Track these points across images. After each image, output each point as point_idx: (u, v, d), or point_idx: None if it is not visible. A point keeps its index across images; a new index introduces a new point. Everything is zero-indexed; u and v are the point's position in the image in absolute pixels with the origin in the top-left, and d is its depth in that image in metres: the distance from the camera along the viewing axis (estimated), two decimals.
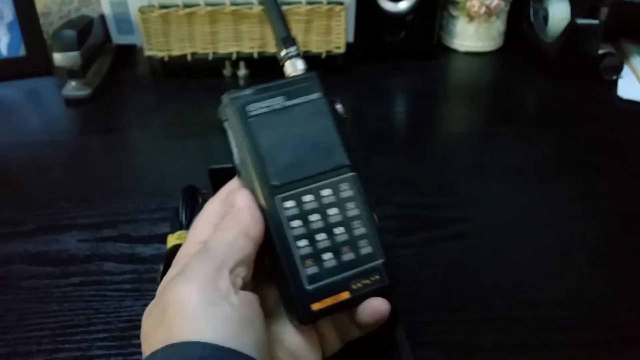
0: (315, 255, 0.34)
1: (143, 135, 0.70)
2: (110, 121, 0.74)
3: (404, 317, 0.43)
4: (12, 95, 0.81)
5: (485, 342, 0.42)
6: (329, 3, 0.78)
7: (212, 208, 0.36)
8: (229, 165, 0.53)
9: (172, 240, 0.46)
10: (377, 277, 0.35)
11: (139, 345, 0.41)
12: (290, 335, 0.35)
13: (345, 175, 0.35)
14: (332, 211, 0.34)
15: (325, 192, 0.35)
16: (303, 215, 0.34)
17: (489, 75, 0.90)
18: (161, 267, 0.43)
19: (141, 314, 0.43)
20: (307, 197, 0.34)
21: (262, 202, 0.34)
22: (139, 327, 0.42)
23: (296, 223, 0.34)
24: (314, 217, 0.34)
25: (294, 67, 0.38)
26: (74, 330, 0.43)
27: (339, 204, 0.35)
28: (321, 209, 0.34)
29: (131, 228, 0.53)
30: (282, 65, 0.39)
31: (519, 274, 0.49)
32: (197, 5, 0.77)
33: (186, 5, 0.77)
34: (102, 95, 0.79)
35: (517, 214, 0.56)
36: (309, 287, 0.33)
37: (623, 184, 0.60)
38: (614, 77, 0.81)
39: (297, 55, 0.38)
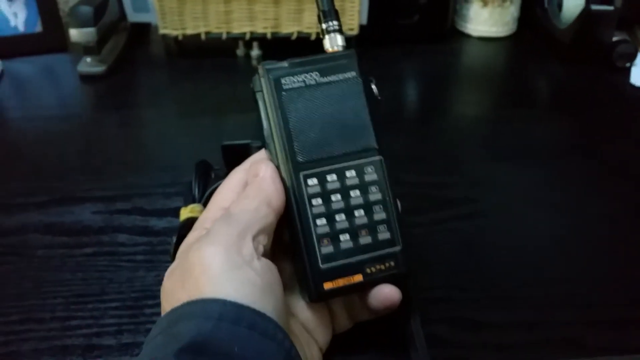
0: (333, 235, 0.34)
1: (156, 112, 0.71)
2: (124, 98, 0.75)
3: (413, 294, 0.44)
4: (29, 70, 0.82)
5: (493, 319, 0.43)
6: None
7: (236, 177, 0.37)
8: (242, 141, 0.54)
9: (185, 213, 0.47)
10: (392, 263, 0.35)
11: (151, 315, 0.42)
12: (302, 309, 0.36)
13: (371, 159, 0.35)
14: (354, 193, 0.35)
15: (350, 173, 0.35)
16: (325, 195, 0.34)
17: (501, 60, 0.90)
18: (174, 239, 0.44)
19: (154, 284, 0.44)
20: (331, 177, 0.34)
21: (286, 176, 0.34)
22: (151, 297, 0.43)
23: (317, 201, 0.34)
24: (335, 198, 0.34)
25: (333, 42, 0.37)
26: (87, 298, 0.44)
27: (362, 186, 0.35)
28: (343, 190, 0.34)
29: (145, 201, 0.53)
30: (322, 37, 0.38)
31: (526, 254, 0.49)
32: None
33: None
34: (116, 72, 0.79)
35: (526, 196, 0.56)
36: (322, 266, 0.34)
37: (632, 169, 0.61)
38: (627, 65, 0.81)
39: (338, 30, 0.38)
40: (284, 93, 0.34)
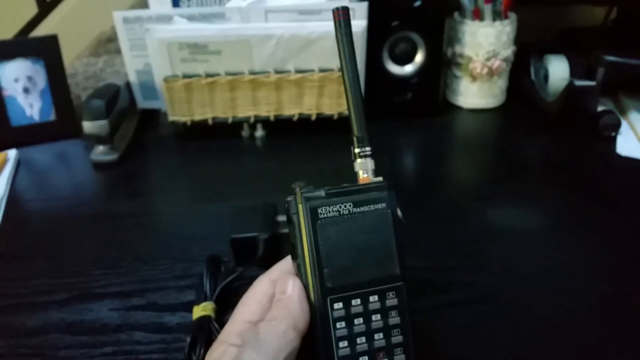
0: (353, 356, 0.36)
1: (167, 198, 0.75)
2: (137, 184, 0.79)
3: None
4: (43, 158, 0.86)
5: None
6: (340, 70, 0.82)
7: (261, 287, 0.38)
8: (250, 234, 0.57)
9: (197, 312, 0.50)
10: None
11: None
12: None
13: (393, 285, 0.37)
14: (376, 317, 0.36)
15: (373, 298, 0.37)
16: (349, 318, 0.36)
17: (492, 130, 0.94)
18: (188, 339, 0.47)
19: None
20: (355, 301, 0.36)
21: (314, 298, 0.36)
22: None
23: (341, 325, 0.36)
24: (358, 322, 0.36)
25: (364, 167, 0.40)
26: None
27: (383, 311, 0.37)
28: (366, 315, 0.36)
29: (158, 296, 0.56)
30: (354, 160, 0.40)
31: (527, 339, 0.50)
32: (218, 75, 0.82)
33: (208, 75, 0.82)
34: (128, 158, 0.84)
35: (524, 275, 0.58)
36: None
37: (625, 241, 0.63)
38: (613, 134, 0.85)
39: (369, 156, 0.40)
40: (319, 222, 0.36)
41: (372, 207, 0.38)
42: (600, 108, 0.86)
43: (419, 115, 0.93)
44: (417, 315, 0.52)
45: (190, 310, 0.52)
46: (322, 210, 0.37)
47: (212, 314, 0.50)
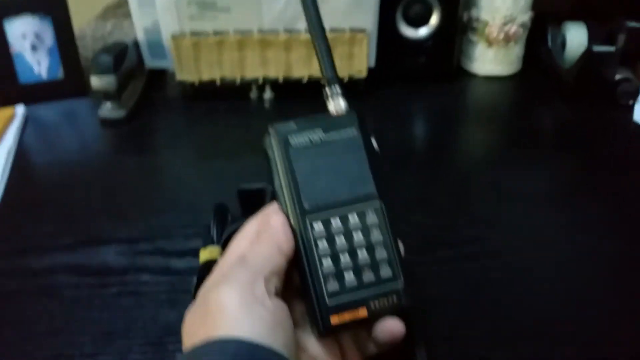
0: (338, 274, 0.37)
1: (175, 155, 0.74)
2: (144, 142, 0.78)
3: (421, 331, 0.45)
4: (51, 115, 0.85)
5: (498, 357, 0.44)
6: (351, 31, 0.81)
7: (250, 227, 0.39)
8: (257, 185, 0.57)
9: (204, 255, 0.50)
10: (395, 298, 0.37)
11: (174, 351, 0.44)
12: (312, 345, 0.38)
13: (371, 204, 0.38)
14: (357, 235, 0.37)
15: (352, 217, 0.38)
16: (329, 237, 0.37)
17: (507, 98, 0.92)
18: (195, 280, 0.46)
19: (176, 322, 0.46)
20: (335, 221, 0.37)
21: (294, 222, 0.37)
22: (174, 334, 0.45)
23: (322, 243, 0.37)
24: (339, 239, 0.37)
25: (337, 105, 0.41)
26: (114, 336, 0.46)
27: (364, 229, 0.38)
28: (347, 233, 0.37)
29: (166, 242, 0.56)
30: (327, 101, 0.41)
31: (533, 294, 0.50)
32: (227, 33, 0.81)
33: (216, 33, 0.81)
34: (135, 116, 0.83)
35: (532, 236, 0.58)
36: (329, 302, 0.36)
37: (637, 205, 0.62)
38: (631, 102, 0.83)
39: (341, 94, 0.41)
40: (291, 149, 0.38)
41: (342, 132, 0.39)
42: (618, 76, 0.84)
43: (431, 81, 0.91)
44: (423, 267, 0.53)
45: (197, 256, 0.51)
46: (293, 138, 0.38)
47: (219, 257, 0.49)
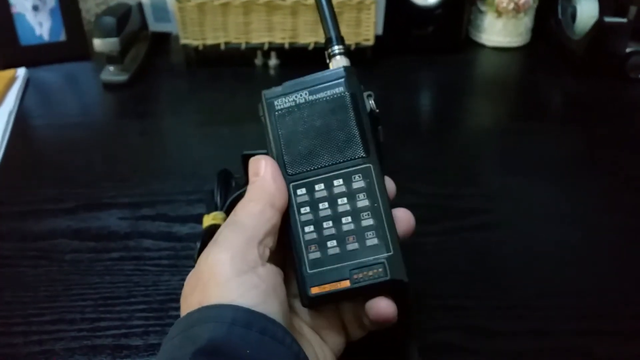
0: (320, 242, 0.35)
1: (178, 120, 0.73)
2: (146, 106, 0.77)
3: (424, 301, 0.45)
4: (53, 78, 0.84)
5: (504, 327, 0.44)
6: None
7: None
8: (261, 151, 0.56)
9: (207, 220, 0.49)
10: (380, 270, 0.34)
11: (176, 317, 0.43)
12: (313, 314, 0.37)
13: (358, 167, 0.36)
14: (342, 201, 0.35)
15: (337, 182, 0.35)
16: (313, 203, 0.35)
17: (515, 70, 0.91)
18: (198, 245, 0.46)
19: (178, 288, 0.46)
20: (319, 186, 0.35)
21: None
22: (176, 300, 0.45)
23: (305, 210, 0.35)
24: (323, 206, 0.35)
25: (338, 65, 0.39)
26: (115, 301, 0.46)
27: (350, 194, 0.35)
28: (331, 198, 0.35)
29: (168, 208, 0.55)
30: (328, 61, 0.40)
31: (538, 264, 0.50)
32: None
33: None
34: (138, 80, 0.81)
35: (538, 207, 0.57)
36: (309, 272, 0.34)
37: None
38: None
39: (343, 53, 0.39)
40: (276, 113, 0.37)
41: (328, 92, 0.37)
42: (628, 49, 0.83)
43: (439, 51, 0.90)
44: (431, 237, 0.52)
45: (200, 222, 0.51)
46: (278, 102, 0.37)
47: (222, 223, 0.49)
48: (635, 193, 0.59)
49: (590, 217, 0.56)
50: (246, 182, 0.39)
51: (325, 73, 0.38)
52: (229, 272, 0.32)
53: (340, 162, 0.36)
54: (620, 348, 0.42)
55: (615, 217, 0.56)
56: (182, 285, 0.34)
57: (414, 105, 0.79)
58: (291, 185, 0.36)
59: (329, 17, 0.40)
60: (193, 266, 0.36)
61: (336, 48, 0.39)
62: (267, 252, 0.34)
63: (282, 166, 0.36)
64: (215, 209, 0.51)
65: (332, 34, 0.40)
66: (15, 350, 0.41)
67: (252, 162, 0.37)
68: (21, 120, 0.72)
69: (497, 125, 0.75)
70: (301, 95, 0.37)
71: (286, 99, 0.37)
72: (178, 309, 0.44)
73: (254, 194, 0.35)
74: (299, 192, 0.36)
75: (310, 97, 0.37)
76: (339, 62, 0.39)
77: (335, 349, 0.38)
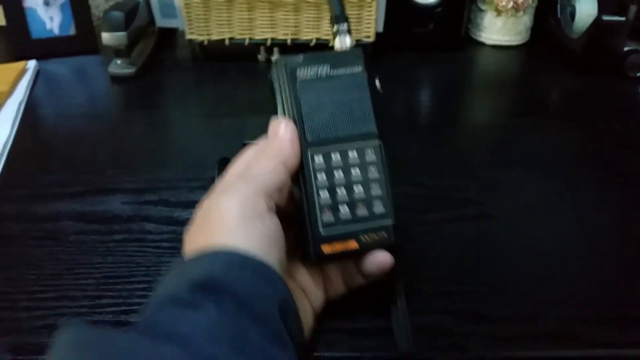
0: (334, 206, 0.38)
1: (182, 112, 0.75)
2: (152, 98, 0.79)
3: (418, 286, 0.47)
4: (62, 71, 0.86)
5: (493, 312, 0.45)
6: None
7: (248, 152, 0.40)
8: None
9: None
10: (385, 234, 0.39)
11: None
12: (300, 272, 0.40)
13: (371, 142, 0.39)
14: (355, 171, 0.39)
15: (352, 154, 0.39)
16: (329, 170, 0.38)
17: (514, 68, 0.92)
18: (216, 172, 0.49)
19: None
20: (335, 156, 0.38)
21: None
22: None
23: (321, 176, 0.38)
24: (338, 173, 0.38)
25: (343, 43, 0.42)
26: (117, 280, 0.47)
27: (362, 165, 0.39)
28: (345, 167, 0.39)
29: (171, 194, 0.57)
30: (333, 38, 0.42)
31: (531, 255, 0.51)
32: None
33: None
34: (145, 74, 0.83)
35: (533, 202, 0.58)
36: (323, 231, 0.38)
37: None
38: (638, 75, 0.83)
39: (347, 32, 0.42)
40: (298, 82, 0.39)
41: (348, 69, 0.40)
42: (627, 48, 0.84)
43: (439, 49, 0.91)
44: (426, 226, 0.54)
45: None
46: (300, 70, 0.39)
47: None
48: (631, 188, 0.61)
49: (585, 210, 0.57)
50: None
51: (345, 51, 0.41)
52: (236, 216, 0.34)
53: (355, 136, 0.39)
54: (608, 333, 0.44)
55: (609, 210, 0.57)
56: None
57: (414, 101, 0.81)
58: (309, 150, 0.38)
59: None
60: None
61: (345, 26, 0.42)
62: (274, 206, 0.36)
63: (301, 133, 0.38)
64: None
65: (340, 11, 0.42)
66: (19, 325, 0.43)
67: (273, 122, 0.39)
68: (31, 110, 0.74)
69: (495, 121, 0.76)
70: (323, 68, 0.39)
71: (309, 69, 0.39)
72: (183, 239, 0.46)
73: (269, 151, 0.38)
74: (316, 158, 0.38)
75: (332, 72, 0.40)
76: (344, 41, 0.42)
77: (317, 307, 0.41)
